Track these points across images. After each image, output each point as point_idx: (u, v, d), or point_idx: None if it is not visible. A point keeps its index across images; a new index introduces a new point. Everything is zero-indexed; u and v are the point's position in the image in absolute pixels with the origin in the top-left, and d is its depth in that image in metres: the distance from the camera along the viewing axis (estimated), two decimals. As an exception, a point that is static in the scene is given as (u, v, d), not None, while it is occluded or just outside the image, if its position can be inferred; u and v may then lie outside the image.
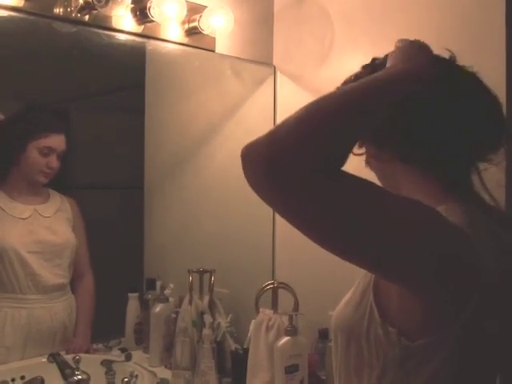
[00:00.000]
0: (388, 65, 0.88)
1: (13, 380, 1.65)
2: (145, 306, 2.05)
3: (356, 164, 0.87)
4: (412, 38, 0.92)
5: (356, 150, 0.91)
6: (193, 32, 1.88)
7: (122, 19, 1.73)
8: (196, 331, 1.85)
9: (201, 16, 1.85)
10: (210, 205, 2.24)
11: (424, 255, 0.77)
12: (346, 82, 0.97)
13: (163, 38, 1.85)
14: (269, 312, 1.77)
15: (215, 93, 2.26)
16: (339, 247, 0.77)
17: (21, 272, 1.80)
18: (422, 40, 0.92)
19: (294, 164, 0.72)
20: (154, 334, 1.95)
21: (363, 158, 0.98)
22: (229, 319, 1.92)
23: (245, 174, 0.77)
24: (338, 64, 1.93)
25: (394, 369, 0.86)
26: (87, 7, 1.62)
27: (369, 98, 0.78)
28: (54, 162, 1.88)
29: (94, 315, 1.97)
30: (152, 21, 1.75)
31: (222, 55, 2.01)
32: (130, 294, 2.05)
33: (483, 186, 0.94)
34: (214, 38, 1.95)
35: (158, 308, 1.96)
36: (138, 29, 1.78)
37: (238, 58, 2.05)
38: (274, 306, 1.83)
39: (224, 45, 1.99)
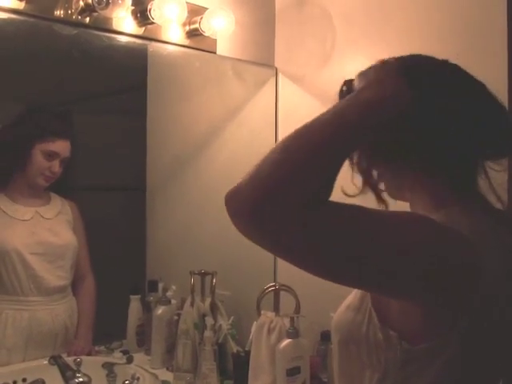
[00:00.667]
0: (359, 84, 0.88)
1: (14, 382, 1.66)
2: (147, 308, 2.05)
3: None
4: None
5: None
6: (194, 34, 1.88)
7: (123, 21, 1.73)
8: (198, 333, 1.84)
9: (202, 18, 1.85)
10: (211, 207, 2.23)
11: (423, 269, 0.76)
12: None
13: (164, 40, 1.84)
14: (270, 314, 1.76)
15: (217, 94, 2.26)
16: (337, 277, 0.79)
17: (23, 274, 1.80)
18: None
19: (279, 208, 0.72)
20: (156, 336, 1.95)
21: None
22: (230, 321, 1.92)
23: (232, 221, 0.77)
24: (340, 65, 1.92)
25: (395, 372, 0.85)
26: (88, 9, 1.61)
27: (344, 132, 0.77)
28: (56, 166, 1.88)
29: (96, 317, 1.97)
30: (153, 23, 1.75)
31: (223, 57, 2.00)
32: (131, 296, 2.05)
33: (491, 188, 0.92)
34: (215, 40, 1.94)
35: (160, 310, 1.96)
36: (139, 31, 1.77)
37: (239, 59, 2.05)
38: (276, 308, 1.83)
39: (225, 46, 1.99)
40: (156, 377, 1.79)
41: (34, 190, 1.91)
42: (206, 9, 1.87)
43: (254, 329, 1.77)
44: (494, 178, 0.93)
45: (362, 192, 0.92)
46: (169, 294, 2.02)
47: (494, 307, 0.83)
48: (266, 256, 2.14)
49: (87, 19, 1.65)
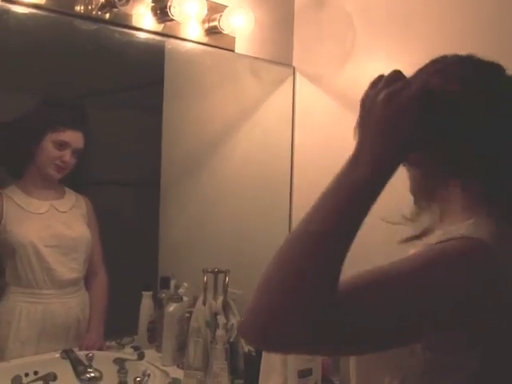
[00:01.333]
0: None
1: (26, 375, 1.66)
2: (158, 304, 2.05)
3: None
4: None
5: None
6: (213, 31, 1.87)
7: (143, 18, 1.73)
8: (209, 332, 1.84)
9: (221, 15, 1.85)
10: (225, 204, 2.23)
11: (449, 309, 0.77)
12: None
13: (183, 37, 1.85)
14: (283, 314, 1.75)
15: (233, 93, 2.25)
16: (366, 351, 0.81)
17: (37, 266, 1.81)
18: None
19: (291, 328, 0.72)
20: (167, 333, 1.94)
21: None
22: (242, 320, 1.91)
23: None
24: (359, 65, 1.91)
25: (415, 380, 0.84)
26: (108, 5, 1.62)
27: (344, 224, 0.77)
28: (67, 156, 1.88)
29: (108, 312, 1.98)
30: (172, 19, 1.75)
31: (241, 55, 2.00)
32: (143, 293, 2.05)
33: None
34: (234, 38, 1.94)
35: (172, 307, 1.96)
36: (158, 27, 1.78)
37: (257, 58, 2.05)
38: (288, 308, 1.82)
39: (243, 45, 1.99)
40: (167, 374, 1.78)
41: (48, 182, 1.91)
42: (226, 7, 1.87)
43: (265, 329, 1.76)
44: None
45: (411, 219, 0.91)
46: (181, 291, 2.02)
47: None
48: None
49: (107, 15, 1.66)
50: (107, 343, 1.94)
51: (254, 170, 2.18)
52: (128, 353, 1.90)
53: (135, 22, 1.72)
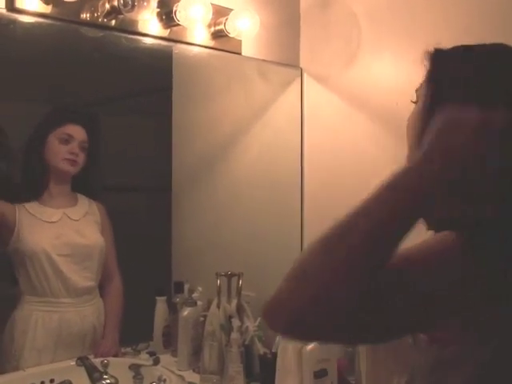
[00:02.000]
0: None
1: (42, 383, 1.67)
2: (173, 309, 2.05)
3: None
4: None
5: None
6: (219, 35, 1.87)
7: (148, 23, 1.73)
8: (224, 335, 1.84)
9: (227, 19, 1.85)
10: (237, 207, 2.23)
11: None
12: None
13: (189, 42, 1.84)
14: (297, 316, 1.75)
15: (242, 95, 2.25)
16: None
17: (52, 275, 1.82)
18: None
19: (331, 317, 0.71)
20: (182, 337, 1.95)
21: None
22: (257, 323, 1.91)
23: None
24: (366, 65, 1.90)
25: (424, 376, 0.84)
26: (114, 12, 1.62)
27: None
28: (75, 148, 1.89)
29: (123, 318, 1.98)
30: (178, 24, 1.75)
31: (248, 58, 2.00)
32: (158, 298, 2.05)
33: None
34: (240, 41, 1.94)
35: (186, 311, 1.96)
36: (164, 33, 1.78)
37: (264, 60, 2.04)
38: (303, 309, 1.81)
39: (250, 47, 1.98)
40: (183, 379, 1.78)
41: (62, 186, 1.92)
42: (231, 10, 1.86)
43: (280, 331, 1.75)
44: None
45: None
46: (195, 295, 2.02)
47: None
48: (292, 257, 2.13)
49: (113, 22, 1.66)
50: (122, 349, 1.94)
51: (264, 172, 2.18)
52: (144, 358, 1.91)
53: (141, 28, 1.72)
